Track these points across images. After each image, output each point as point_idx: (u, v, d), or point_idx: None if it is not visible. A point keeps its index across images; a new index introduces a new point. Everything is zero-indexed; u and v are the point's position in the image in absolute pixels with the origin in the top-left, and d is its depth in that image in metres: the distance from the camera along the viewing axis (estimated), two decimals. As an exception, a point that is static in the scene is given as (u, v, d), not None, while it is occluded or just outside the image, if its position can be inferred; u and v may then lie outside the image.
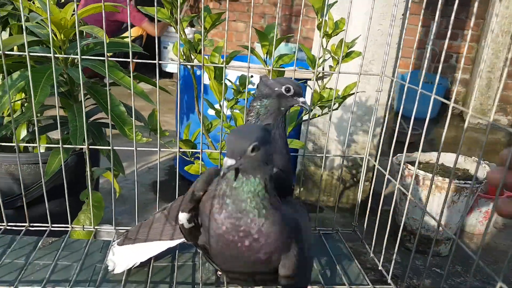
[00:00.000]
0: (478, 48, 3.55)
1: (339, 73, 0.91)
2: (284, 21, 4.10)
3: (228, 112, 1.21)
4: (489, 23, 3.40)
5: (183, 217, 0.62)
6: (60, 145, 0.84)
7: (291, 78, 0.78)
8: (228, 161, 0.52)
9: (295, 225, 0.61)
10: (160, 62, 0.83)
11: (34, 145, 0.80)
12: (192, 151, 1.15)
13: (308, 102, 1.12)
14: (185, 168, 1.13)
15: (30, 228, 0.90)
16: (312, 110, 0.72)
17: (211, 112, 1.23)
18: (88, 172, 1.02)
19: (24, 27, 0.74)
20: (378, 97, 0.94)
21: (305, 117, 1.12)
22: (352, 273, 0.84)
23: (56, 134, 1.69)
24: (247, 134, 0.53)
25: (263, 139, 0.53)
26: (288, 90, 0.71)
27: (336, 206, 1.02)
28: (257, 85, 0.74)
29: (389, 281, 0.83)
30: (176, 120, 2.31)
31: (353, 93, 1.04)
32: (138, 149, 0.91)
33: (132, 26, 3.47)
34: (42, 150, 1.50)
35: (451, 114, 0.69)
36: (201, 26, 0.91)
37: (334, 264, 0.85)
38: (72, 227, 0.95)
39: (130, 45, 0.83)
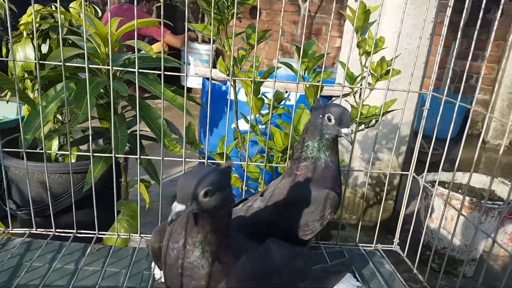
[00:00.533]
0: (499, 68, 3.55)
1: (370, 89, 0.92)
2: (305, 40, 4.16)
3: (261, 127, 1.24)
4: (510, 43, 3.41)
5: (157, 272, 0.63)
6: (111, 154, 0.86)
7: (339, 104, 0.78)
8: (178, 207, 0.48)
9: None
10: (188, 75, 0.85)
11: (87, 154, 0.82)
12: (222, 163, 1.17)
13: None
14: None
15: (56, 234, 0.93)
16: (353, 141, 0.72)
17: (242, 126, 1.25)
18: (123, 182, 1.05)
19: (84, 40, 0.78)
20: (424, 114, 0.95)
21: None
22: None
23: (85, 145, 1.73)
24: (201, 178, 0.49)
25: (219, 184, 0.50)
26: (329, 119, 0.70)
27: (378, 225, 1.01)
28: (311, 108, 0.75)
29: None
30: (199, 132, 2.34)
31: (392, 110, 1.06)
32: (166, 158, 0.93)
33: (157, 40, 3.54)
34: (73, 160, 1.54)
35: (470, 135, 0.70)
36: (247, 42, 0.94)
37: (378, 279, 0.85)
38: (118, 234, 0.97)
39: (162, 59, 0.86)
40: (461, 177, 1.96)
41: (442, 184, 1.90)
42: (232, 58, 0.87)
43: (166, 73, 0.80)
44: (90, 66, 0.78)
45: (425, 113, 0.96)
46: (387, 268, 0.91)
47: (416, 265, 0.93)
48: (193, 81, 4.23)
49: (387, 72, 1.04)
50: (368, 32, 1.03)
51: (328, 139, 0.73)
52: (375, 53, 1.06)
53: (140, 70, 0.86)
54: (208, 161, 1.03)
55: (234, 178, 1.16)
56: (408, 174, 1.03)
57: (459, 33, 0.99)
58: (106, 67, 0.82)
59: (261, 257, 0.61)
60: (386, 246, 1.00)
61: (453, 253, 1.79)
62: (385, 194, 1.06)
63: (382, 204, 1.01)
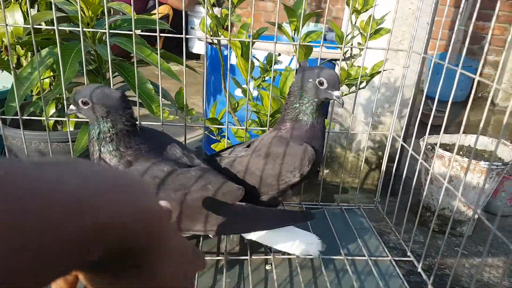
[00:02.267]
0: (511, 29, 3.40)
1: (367, 48, 0.89)
2: (314, 1, 4.03)
3: (255, 92, 1.22)
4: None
5: None
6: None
7: (324, 63, 0.77)
8: (71, 106, 0.69)
9: None
10: (187, 36, 0.84)
11: (63, 119, 0.82)
12: (218, 130, 1.16)
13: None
14: (212, 146, 1.15)
15: None
16: (344, 103, 0.72)
17: (238, 92, 1.23)
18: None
19: (53, 3, 0.76)
20: (405, 73, 0.92)
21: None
22: (372, 245, 0.85)
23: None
24: (87, 90, 0.65)
25: (100, 100, 0.64)
26: (321, 83, 0.71)
27: (359, 184, 1.01)
28: (296, 70, 0.75)
29: (409, 253, 0.83)
30: (203, 98, 2.33)
31: (381, 71, 1.03)
32: (164, 125, 0.92)
33: (162, 3, 3.46)
34: (72, 129, 1.55)
35: (480, 98, 0.68)
36: (229, 3, 0.91)
37: (355, 237, 0.86)
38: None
39: (157, 22, 0.84)
40: (463, 139, 1.93)
41: (444, 146, 1.87)
42: (212, 18, 0.85)
43: (142, 33, 0.78)
44: (60, 28, 0.76)
45: (405, 72, 0.93)
46: (366, 226, 0.93)
47: (393, 222, 0.93)
48: (200, 47, 4.16)
49: (377, 31, 1.00)
50: (357, -12, 0.98)
51: (318, 102, 0.74)
52: (365, 11, 1.02)
53: (124, 32, 0.84)
54: (196, 125, 1.03)
55: (224, 144, 1.16)
56: (397, 136, 1.01)
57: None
58: (77, 28, 0.80)
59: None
60: (367, 205, 1.01)
61: (451, 213, 1.79)
62: (386, 157, 1.05)
63: (384, 162, 1.00)
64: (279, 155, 0.74)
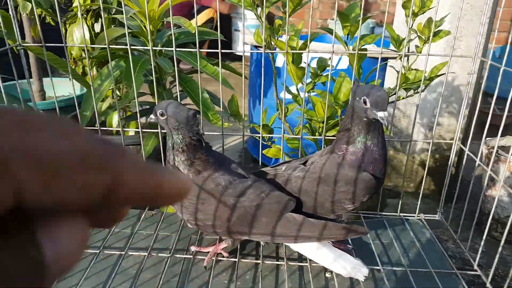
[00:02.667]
0: None
1: (428, 55, 0.87)
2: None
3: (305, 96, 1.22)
4: None
5: None
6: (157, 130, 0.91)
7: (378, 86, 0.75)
8: (151, 116, 0.78)
9: None
10: (229, 51, 0.87)
11: (137, 129, 0.88)
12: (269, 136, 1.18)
13: (393, 85, 1.09)
14: (263, 152, 1.17)
15: None
16: (392, 124, 0.71)
17: (287, 96, 1.24)
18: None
19: (125, 21, 0.82)
20: (470, 80, 0.89)
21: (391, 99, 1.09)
22: (435, 257, 0.83)
23: (143, 119, 1.83)
24: (165, 105, 0.74)
25: (174, 113, 0.73)
26: (364, 102, 0.69)
27: (421, 192, 0.98)
28: (352, 91, 0.74)
29: (475, 267, 0.80)
30: (249, 103, 2.36)
31: (442, 74, 1.00)
32: (225, 134, 0.96)
33: (205, 8, 3.53)
34: (132, 134, 1.64)
35: None
36: (282, 12, 0.93)
37: (418, 248, 0.85)
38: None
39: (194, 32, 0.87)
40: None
41: (508, 149, 1.77)
42: (266, 29, 0.87)
43: (201, 50, 0.82)
44: (132, 47, 0.82)
45: (470, 79, 0.90)
46: (428, 237, 0.90)
47: (459, 232, 0.89)
48: (245, 49, 4.20)
49: (436, 33, 0.97)
50: (414, -10, 0.96)
51: (366, 122, 0.72)
52: (422, 13, 0.99)
53: (181, 49, 0.89)
54: (253, 135, 1.06)
55: (276, 150, 1.17)
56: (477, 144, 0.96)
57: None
58: (145, 48, 0.86)
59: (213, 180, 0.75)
60: (429, 215, 0.98)
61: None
62: (450, 163, 1.02)
63: (449, 172, 0.96)
64: (337, 181, 0.74)
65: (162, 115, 0.74)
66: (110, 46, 0.80)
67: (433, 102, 1.87)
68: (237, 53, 4.42)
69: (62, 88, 2.24)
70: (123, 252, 0.82)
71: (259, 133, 1.12)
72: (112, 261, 0.80)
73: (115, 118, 1.61)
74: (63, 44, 0.82)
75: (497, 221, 1.74)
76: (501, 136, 1.75)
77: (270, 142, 1.21)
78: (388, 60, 1.77)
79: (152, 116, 0.78)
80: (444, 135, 1.91)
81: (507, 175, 1.63)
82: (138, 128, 0.97)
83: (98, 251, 0.82)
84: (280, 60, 2.04)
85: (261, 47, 1.02)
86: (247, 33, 4.14)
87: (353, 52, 0.92)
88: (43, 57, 0.88)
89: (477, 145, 0.93)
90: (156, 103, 1.21)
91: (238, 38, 4.32)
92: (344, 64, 1.86)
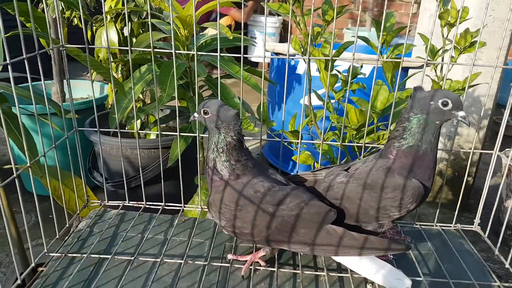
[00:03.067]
0: None
1: (473, 65, 0.87)
2: (376, 6, 3.96)
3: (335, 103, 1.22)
4: None
5: None
6: (194, 134, 0.91)
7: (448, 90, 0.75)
8: (195, 114, 0.78)
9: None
10: (247, 55, 0.87)
11: (174, 133, 0.88)
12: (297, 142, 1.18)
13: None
14: (293, 158, 1.16)
15: (146, 206, 1.01)
16: (470, 123, 0.70)
17: (313, 102, 1.24)
18: (201, 157, 1.10)
19: (171, 25, 0.81)
20: (488, 92, 0.88)
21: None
22: (476, 269, 0.82)
23: (162, 124, 1.82)
24: (209, 104, 0.74)
25: (218, 112, 0.73)
26: (445, 104, 0.69)
27: (458, 204, 0.97)
28: (411, 96, 0.74)
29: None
30: (268, 109, 2.36)
31: (476, 85, 0.99)
32: (261, 139, 0.96)
33: (223, 15, 3.57)
34: (153, 137, 1.64)
35: None
36: (322, 19, 0.93)
37: (458, 260, 0.84)
38: (202, 207, 1.03)
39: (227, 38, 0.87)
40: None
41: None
42: (309, 37, 0.87)
43: (245, 55, 0.82)
44: (176, 51, 0.82)
45: (488, 90, 0.89)
46: (467, 248, 0.89)
47: (498, 246, 0.89)
48: (260, 55, 4.22)
49: (471, 44, 0.97)
50: (451, 1, 0.96)
51: (439, 125, 0.72)
52: (460, 24, 0.99)
53: (221, 54, 0.89)
54: (284, 140, 1.05)
55: (306, 156, 1.17)
56: (492, 153, 0.97)
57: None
58: (188, 52, 0.86)
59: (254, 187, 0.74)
60: (466, 226, 0.97)
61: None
62: (467, 172, 1.01)
63: (464, 182, 0.96)
64: (383, 187, 0.72)
65: (206, 113, 0.74)
66: (155, 50, 0.80)
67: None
68: (253, 60, 4.43)
69: (80, 90, 2.25)
70: (158, 259, 0.80)
71: (287, 139, 1.12)
72: (147, 268, 0.79)
73: (137, 122, 1.61)
74: (106, 46, 0.81)
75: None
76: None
77: (298, 149, 1.20)
78: (411, 68, 1.76)
79: (195, 114, 0.78)
80: (463, 144, 1.91)
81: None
82: (166, 131, 0.96)
83: (132, 258, 0.81)
84: (301, 67, 2.04)
85: (283, 54, 1.02)
86: (268, 40, 4.16)
87: (389, 60, 0.91)
88: (79, 58, 0.88)
89: (490, 155, 0.93)
90: (188, 108, 1.21)
91: (253, 46, 4.34)
92: (367, 73, 1.86)
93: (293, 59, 2.08)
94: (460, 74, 1.71)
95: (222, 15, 3.65)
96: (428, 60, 1.03)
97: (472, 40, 0.99)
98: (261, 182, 0.74)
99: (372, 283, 0.75)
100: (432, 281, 0.77)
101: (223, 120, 0.73)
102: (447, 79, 1.03)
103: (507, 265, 0.83)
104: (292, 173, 1.05)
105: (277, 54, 2.15)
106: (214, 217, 0.76)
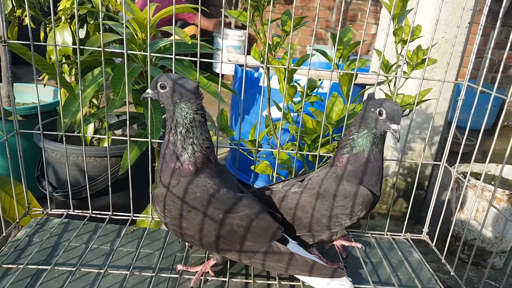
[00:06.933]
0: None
1: (423, 79, 0.90)
2: (337, 26, 4.09)
3: (293, 114, 1.23)
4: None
5: None
6: (147, 139, 0.87)
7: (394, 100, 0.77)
8: (148, 90, 0.70)
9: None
10: (223, 62, 0.85)
11: (125, 138, 0.84)
12: (257, 151, 1.17)
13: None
14: (252, 167, 1.15)
15: (93, 215, 0.96)
16: (398, 140, 0.71)
17: (274, 114, 1.24)
18: (157, 166, 1.05)
19: (124, 27, 0.79)
20: (459, 105, 0.92)
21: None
22: (424, 277, 0.83)
23: (120, 130, 1.76)
24: (167, 77, 0.67)
25: (177, 86, 0.66)
26: (380, 113, 0.70)
27: (408, 214, 1.00)
28: (364, 101, 0.75)
29: (463, 286, 0.82)
30: (231, 119, 2.35)
31: (427, 100, 1.03)
32: (219, 146, 0.94)
33: (188, 24, 3.55)
34: (107, 144, 1.58)
35: (506, 126, 0.68)
36: (282, 29, 0.93)
37: (406, 268, 0.86)
38: (152, 217, 0.99)
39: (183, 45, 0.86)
40: (494, 169, 1.90)
41: (474, 175, 1.85)
42: (266, 45, 0.87)
43: (202, 59, 0.80)
44: (128, 52, 0.79)
45: (459, 104, 0.93)
46: (416, 257, 0.91)
47: (444, 255, 0.91)
48: (225, 68, 4.23)
49: (423, 61, 1.01)
50: (405, 19, 1.00)
51: (376, 134, 0.73)
52: (412, 41, 1.03)
53: (176, 57, 0.87)
54: (240, 147, 1.04)
55: (264, 165, 1.16)
56: (440, 164, 1.00)
57: (498, 22, 0.95)
58: (143, 53, 0.83)
59: (207, 189, 0.69)
60: (415, 235, 0.99)
61: (483, 244, 1.75)
62: (416, 184, 1.04)
63: (413, 194, 0.99)
64: (333, 196, 0.73)
65: (163, 87, 0.67)
66: (105, 49, 0.76)
67: (406, 128, 1.94)
68: (216, 71, 4.43)
69: (33, 95, 2.14)
70: (102, 270, 0.76)
71: (248, 149, 1.11)
72: (89, 279, 0.75)
73: (90, 128, 1.55)
74: (53, 44, 0.77)
75: (464, 243, 1.80)
76: (465, 162, 1.84)
77: (258, 158, 1.19)
78: (368, 85, 1.82)
79: (149, 90, 0.70)
80: (416, 159, 1.97)
81: (474, 200, 1.70)
82: (124, 138, 0.92)
83: (74, 269, 0.76)
84: (271, 79, 2.06)
85: (247, 66, 1.02)
86: (232, 52, 4.18)
87: (348, 72, 0.93)
88: (25, 57, 0.83)
89: (446, 172, 0.97)
90: (144, 114, 1.17)
91: (219, 57, 4.34)
92: (326, 87, 1.90)
93: (253, 68, 2.09)
94: (414, 90, 1.78)
95: (187, 24, 3.62)
96: (380, 74, 1.06)
97: (424, 57, 1.03)
98: (215, 185, 0.70)
99: None
100: (382, 288, 0.77)
101: (182, 94, 0.66)
102: (399, 94, 1.06)
103: (452, 273, 0.86)
104: (253, 185, 1.03)
105: (241, 66, 2.16)
106: (158, 212, 0.71)
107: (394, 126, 0.70)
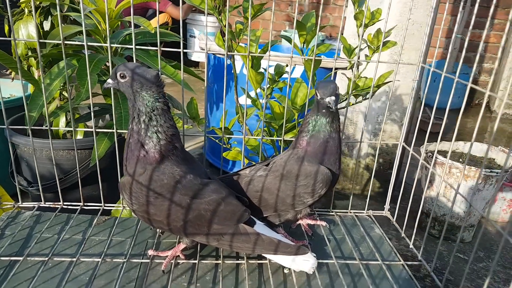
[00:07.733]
0: (508, 37, 3.47)
1: (379, 62, 0.93)
2: (312, 9, 4.09)
3: (263, 101, 1.25)
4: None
5: None
6: (113, 130, 0.89)
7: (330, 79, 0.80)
8: (108, 80, 0.70)
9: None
10: (185, 50, 0.87)
11: (90, 129, 0.85)
12: (228, 139, 1.19)
13: (343, 91, 1.15)
14: (223, 154, 1.18)
15: (64, 207, 0.97)
16: (334, 110, 0.77)
17: (241, 100, 1.26)
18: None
19: (82, 19, 0.79)
20: (414, 86, 0.96)
21: (341, 105, 1.15)
22: (384, 251, 0.88)
23: (92, 122, 1.76)
24: (126, 66, 0.68)
25: (137, 75, 0.67)
26: (317, 94, 0.76)
27: (369, 192, 1.05)
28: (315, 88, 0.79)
29: (420, 257, 0.87)
30: (206, 107, 2.36)
31: (388, 82, 1.06)
32: (186, 134, 0.95)
33: (160, 12, 3.49)
34: (80, 137, 1.57)
35: (478, 104, 0.72)
36: (244, 16, 0.95)
37: (368, 243, 0.90)
38: (124, 206, 1.00)
39: (157, 33, 0.87)
40: (462, 147, 1.97)
41: (443, 153, 1.92)
42: (228, 32, 0.89)
43: (163, 49, 0.81)
44: (89, 44, 0.80)
45: (414, 85, 0.97)
46: (377, 232, 0.96)
47: (404, 229, 0.96)
48: (200, 55, 4.20)
49: (384, 44, 1.04)
50: (365, 3, 1.02)
51: (325, 114, 0.78)
52: (372, 25, 1.06)
53: (139, 47, 0.88)
54: (211, 136, 1.06)
55: (236, 152, 1.19)
56: (403, 145, 1.05)
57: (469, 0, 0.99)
58: (104, 44, 0.84)
59: (173, 176, 0.71)
60: (377, 212, 1.04)
61: (452, 219, 1.82)
62: (375, 161, 1.08)
63: (373, 173, 1.03)
64: (295, 176, 0.78)
65: (123, 77, 0.67)
66: (66, 42, 0.77)
67: (377, 110, 1.99)
68: (192, 59, 4.40)
69: (2, 89, 2.09)
70: (74, 259, 0.78)
71: (219, 136, 1.13)
72: (62, 268, 0.76)
73: (62, 120, 1.54)
74: (11, 39, 0.77)
75: (434, 219, 1.87)
76: (435, 141, 1.90)
77: (229, 145, 1.22)
78: (338, 69, 1.85)
79: (109, 80, 0.70)
80: (387, 140, 2.03)
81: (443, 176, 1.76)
82: (90, 129, 0.93)
83: (46, 259, 0.77)
84: (238, 66, 2.06)
85: (219, 53, 1.03)
86: (203, 39, 4.14)
87: (310, 58, 0.95)
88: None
89: (415, 150, 1.02)
90: (115, 104, 1.17)
91: (194, 44, 4.29)
92: (297, 73, 1.92)
93: (220, 55, 2.09)
94: (380, 73, 1.83)
95: (159, 12, 3.57)
96: (343, 58, 1.09)
97: (384, 40, 1.06)
98: (182, 172, 0.72)
99: (289, 268, 0.78)
100: (344, 263, 0.81)
101: (143, 83, 0.67)
102: (363, 77, 1.10)
103: (410, 246, 0.91)
104: (230, 171, 1.06)
105: (214, 54, 2.16)
106: (125, 199, 0.72)
107: (327, 99, 0.75)
